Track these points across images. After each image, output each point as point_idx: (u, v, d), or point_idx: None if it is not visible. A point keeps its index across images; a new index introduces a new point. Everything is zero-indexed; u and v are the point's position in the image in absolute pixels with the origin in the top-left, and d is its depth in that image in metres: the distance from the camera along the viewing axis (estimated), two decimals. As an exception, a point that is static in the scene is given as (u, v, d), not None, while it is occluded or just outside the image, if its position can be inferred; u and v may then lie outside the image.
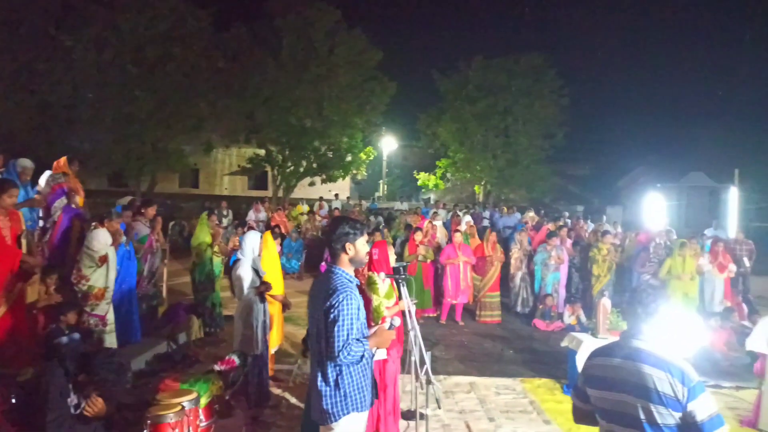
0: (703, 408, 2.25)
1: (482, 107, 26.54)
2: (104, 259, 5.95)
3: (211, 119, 20.87)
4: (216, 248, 8.37)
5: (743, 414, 5.70)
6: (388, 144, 34.09)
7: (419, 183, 31.01)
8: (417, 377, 4.78)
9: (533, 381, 6.65)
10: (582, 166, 39.17)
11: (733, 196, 13.57)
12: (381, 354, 3.17)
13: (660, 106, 35.13)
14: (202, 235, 8.19)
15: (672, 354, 2.38)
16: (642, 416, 2.31)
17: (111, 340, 6.02)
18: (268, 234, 6.29)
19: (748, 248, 11.36)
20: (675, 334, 6.80)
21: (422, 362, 4.52)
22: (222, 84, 20.38)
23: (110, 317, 6.06)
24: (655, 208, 14.08)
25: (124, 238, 6.60)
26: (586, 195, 33.69)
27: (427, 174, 30.41)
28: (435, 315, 9.76)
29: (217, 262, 8.43)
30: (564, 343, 6.60)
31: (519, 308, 10.29)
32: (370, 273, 4.75)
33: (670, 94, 34.92)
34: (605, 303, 6.88)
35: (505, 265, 10.47)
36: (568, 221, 15.22)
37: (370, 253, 4.62)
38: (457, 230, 10.09)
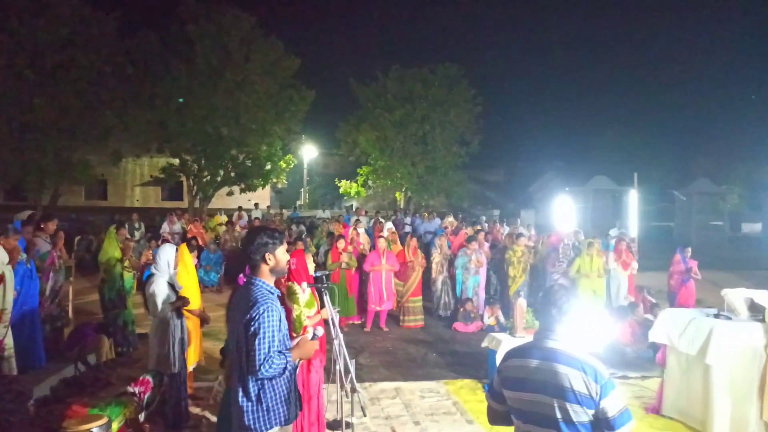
0: (613, 404, 2.31)
1: (400, 115, 27.04)
2: (0, 279, 5.48)
3: (119, 128, 19.84)
4: (126, 263, 7.94)
5: (648, 402, 6.09)
6: (309, 152, 33.88)
7: (341, 191, 31.01)
8: (342, 386, 4.75)
9: (456, 382, 6.79)
10: (496, 172, 40.78)
11: (633, 198, 14.52)
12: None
13: (566, 113, 37.24)
14: (111, 249, 7.74)
15: (585, 352, 2.43)
16: (558, 415, 2.34)
17: (10, 366, 5.54)
18: (183, 246, 6.05)
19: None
20: (586, 330, 7.20)
21: (347, 371, 4.50)
22: (131, 92, 19.45)
23: (8, 341, 5.58)
24: (564, 211, 14.78)
25: (24, 256, 6.11)
26: (501, 200, 35.04)
27: (349, 182, 30.48)
28: (360, 322, 9.75)
29: (128, 277, 8.00)
30: (484, 344, 6.80)
31: (441, 312, 10.48)
32: (290, 283, 4.68)
33: (575, 102, 37.10)
34: (521, 303, 7.16)
35: (427, 270, 10.66)
36: (485, 225, 15.74)
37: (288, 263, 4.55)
38: (381, 237, 10.16)
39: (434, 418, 5.68)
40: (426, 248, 12.16)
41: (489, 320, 9.42)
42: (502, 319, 9.28)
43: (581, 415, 2.32)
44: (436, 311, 10.52)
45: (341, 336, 4.54)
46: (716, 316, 5.51)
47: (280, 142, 22.82)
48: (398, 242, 11.14)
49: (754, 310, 5.48)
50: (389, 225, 13.82)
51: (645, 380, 6.88)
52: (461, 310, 9.86)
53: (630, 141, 31.26)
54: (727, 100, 31.05)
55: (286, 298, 4.87)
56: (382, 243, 9.61)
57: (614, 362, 7.63)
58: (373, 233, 12.31)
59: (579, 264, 9.49)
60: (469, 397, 6.30)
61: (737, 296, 5.55)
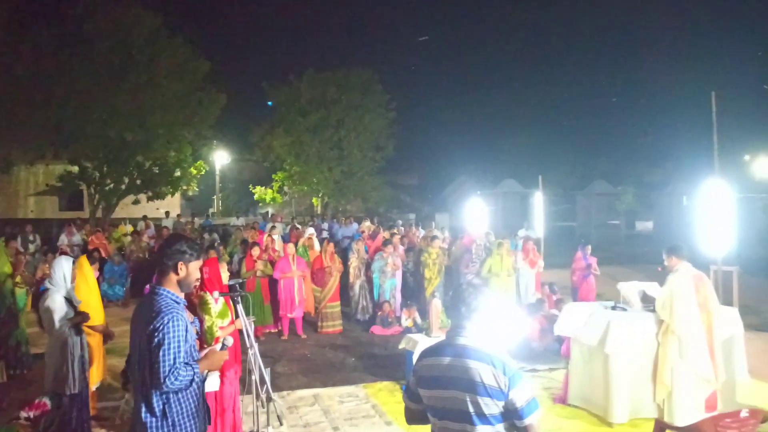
0: (521, 395, 2.39)
1: (315, 120, 26.91)
2: None
3: (7, 132, 18.28)
4: (18, 278, 7.33)
5: (556, 392, 6.41)
6: (221, 158, 32.83)
7: (256, 197, 30.34)
8: (258, 396, 4.64)
9: (375, 385, 6.83)
10: (412, 176, 41.57)
11: (538, 200, 15.30)
12: (212, 385, 2.99)
13: (477, 119, 38.62)
14: (0, 264, 7.11)
15: (493, 347, 2.51)
16: (471, 409, 2.39)
17: None
18: (83, 258, 5.67)
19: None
20: (497, 327, 7.45)
21: (262, 380, 4.40)
22: (21, 92, 17.96)
23: None
24: (476, 213, 15.31)
25: None
26: (417, 203, 35.72)
27: (264, 188, 29.89)
28: (277, 330, 9.58)
29: (21, 293, 7.38)
30: (401, 346, 6.89)
31: (359, 316, 10.51)
32: (202, 293, 4.51)
33: (485, 108, 38.58)
34: (436, 303, 7.31)
35: (345, 275, 10.65)
36: (402, 229, 15.98)
37: (201, 272, 4.38)
38: (291, 243, 10.06)
39: (353, 423, 5.68)
40: (344, 253, 12.16)
41: (407, 322, 9.55)
42: (419, 320, 9.44)
43: (492, 407, 2.39)
44: (355, 315, 10.53)
45: (256, 345, 4.44)
46: (613, 308, 5.91)
47: (189, 147, 21.94)
48: (314, 247, 11.04)
49: (646, 301, 5.94)
50: (310, 230, 13.71)
51: (552, 372, 7.24)
52: (379, 313, 9.94)
53: (535, 145, 32.92)
54: (622, 106, 33.52)
55: (198, 309, 4.69)
56: (291, 249, 9.50)
57: (524, 356, 7.97)
58: (289, 240, 12.12)
59: (490, 264, 9.85)
60: (387, 399, 6.35)
61: (631, 289, 5.99)
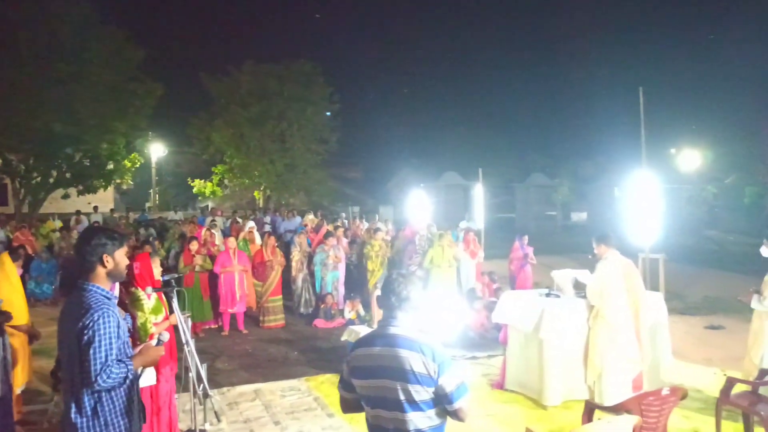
0: (450, 380, 2.44)
1: (256, 112, 26.40)
2: None
3: None
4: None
5: (494, 378, 6.59)
6: (157, 150, 31.69)
7: (195, 191, 29.50)
8: (195, 393, 4.55)
9: (317, 378, 6.81)
10: (356, 169, 41.52)
11: (478, 192, 15.61)
12: (149, 379, 2.91)
13: (420, 112, 38.95)
14: None
15: (423, 335, 2.54)
16: (402, 397, 2.43)
17: None
18: (4, 256, 5.37)
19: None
20: (436, 316, 7.56)
21: (199, 377, 4.31)
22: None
23: None
24: (419, 206, 15.45)
25: None
26: (361, 196, 35.72)
27: (203, 181, 29.10)
28: (217, 326, 9.38)
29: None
30: (344, 338, 6.91)
31: (302, 309, 10.44)
32: (134, 289, 4.36)
33: (427, 101, 38.96)
34: (378, 295, 7.34)
35: (287, 269, 10.55)
36: (346, 222, 15.97)
37: (131, 267, 4.24)
38: (232, 236, 9.87)
39: (295, 416, 5.65)
40: (287, 247, 12.04)
41: (350, 314, 9.56)
42: (362, 312, 9.48)
43: (422, 394, 2.43)
44: (298, 309, 10.46)
45: (192, 342, 4.33)
46: (547, 295, 6.13)
47: (123, 139, 21.04)
48: (255, 241, 10.88)
49: (578, 287, 6.19)
50: (251, 224, 13.48)
51: (491, 359, 7.44)
52: (322, 306, 9.91)
53: (476, 139, 33.59)
54: (558, 102, 34.68)
55: (130, 306, 4.53)
56: (231, 243, 9.33)
57: (465, 344, 8.16)
58: (230, 234, 11.87)
59: (432, 255, 9.99)
60: (330, 391, 6.34)
61: (564, 277, 6.22)
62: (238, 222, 14.11)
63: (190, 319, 5.19)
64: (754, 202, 30.18)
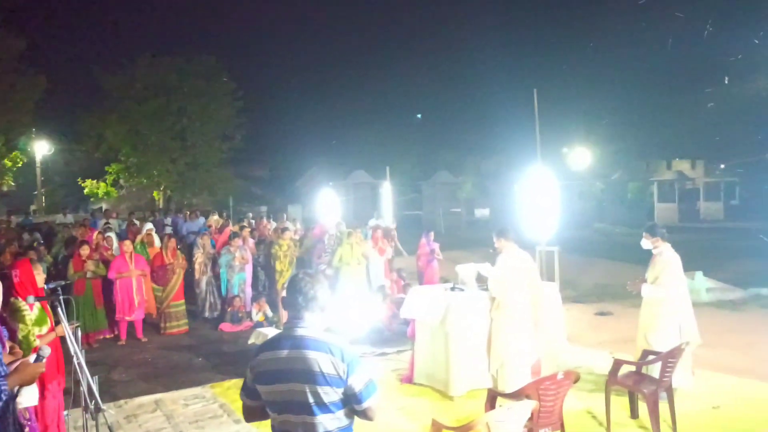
0: (359, 379, 2.42)
1: (154, 107, 25.07)
2: None
3: None
4: None
5: (403, 373, 6.69)
6: (43, 148, 29.18)
7: (86, 192, 27.53)
8: (86, 409, 4.23)
9: (223, 384, 6.58)
10: (263, 167, 40.62)
11: (386, 190, 15.81)
12: (30, 400, 2.65)
13: (328, 110, 38.77)
14: None
15: (332, 335, 2.52)
16: (311, 400, 2.38)
17: None
18: None
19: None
20: (348, 314, 7.58)
21: (90, 391, 4.01)
22: None
23: None
24: (328, 204, 15.40)
25: None
26: (268, 195, 35.05)
27: (96, 181, 27.23)
28: (113, 335, 8.81)
29: None
30: (251, 341, 6.74)
31: (207, 314, 10.07)
32: (13, 299, 3.98)
33: (336, 100, 38.87)
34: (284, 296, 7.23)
35: (190, 272, 10.12)
36: (252, 222, 15.56)
37: (10, 275, 3.87)
38: (128, 240, 9.32)
39: (199, 425, 5.42)
40: (190, 249, 11.54)
41: (257, 316, 9.34)
42: (269, 313, 9.28)
43: (332, 395, 2.40)
44: (202, 313, 10.07)
45: (81, 353, 4.02)
46: (452, 289, 6.31)
47: (2, 136, 19.26)
48: (154, 244, 10.33)
49: (481, 280, 6.42)
50: (149, 226, 12.78)
51: (400, 354, 7.55)
52: (229, 309, 9.60)
53: (383, 137, 33.96)
54: (461, 102, 35.82)
55: (9, 318, 4.14)
56: (128, 246, 8.80)
57: (375, 341, 8.23)
58: (127, 237, 11.18)
59: (341, 253, 9.97)
60: (237, 397, 6.06)
61: (467, 270, 6.43)
62: (135, 224, 13.32)
63: (79, 330, 4.82)
64: (636, 197, 32.93)
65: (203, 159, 26.69)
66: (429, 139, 35.54)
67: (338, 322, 7.05)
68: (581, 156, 26.32)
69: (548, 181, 9.86)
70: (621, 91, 28.40)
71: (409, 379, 6.39)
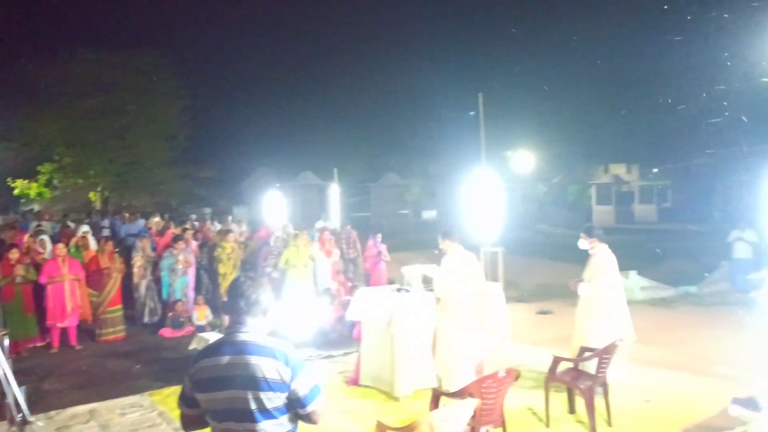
0: (304, 384, 2.39)
1: (92, 105, 24.03)
2: None
3: None
4: None
5: (349, 375, 6.67)
6: (-33, 146, 27.48)
7: (16, 192, 26.08)
8: (13, 421, 4.00)
9: (162, 392, 6.38)
10: (208, 168, 39.57)
11: (334, 192, 15.76)
12: None
13: (275, 111, 38.19)
14: None
15: (275, 340, 2.47)
16: (253, 406, 2.34)
17: None
18: None
19: (353, 236, 13.44)
20: (294, 317, 7.50)
21: (17, 402, 3.80)
22: None
23: None
24: (275, 206, 15.22)
25: None
26: (213, 197, 34.24)
27: (27, 181, 25.84)
28: (44, 343, 8.38)
29: None
30: (192, 346, 6.56)
31: (147, 319, 9.73)
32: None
33: (283, 100, 38.35)
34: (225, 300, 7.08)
35: (128, 276, 9.76)
36: (196, 224, 15.17)
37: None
38: (62, 243, 8.90)
39: (137, 434, 5.23)
40: (129, 252, 11.12)
41: (199, 321, 9.10)
42: (210, 317, 9.08)
43: (275, 400, 2.36)
44: (141, 319, 9.73)
45: (8, 363, 3.81)
46: (398, 290, 6.34)
47: None
48: (90, 247, 9.91)
49: (427, 282, 6.49)
50: (85, 228, 12.25)
51: (347, 356, 7.53)
52: (170, 314, 9.31)
53: (331, 139, 33.80)
54: (408, 105, 36.11)
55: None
56: (61, 249, 8.41)
57: (321, 344, 8.18)
58: (60, 240, 10.68)
59: (287, 256, 9.85)
60: (176, 404, 5.96)
61: (413, 272, 6.48)
62: (69, 226, 12.75)
63: (7, 338, 4.57)
64: (576, 199, 34.13)
65: (145, 159, 25.78)
66: (377, 141, 35.62)
67: (283, 326, 6.96)
68: (524, 159, 27.00)
69: (493, 184, 10.09)
70: (563, 96, 29.37)
71: (354, 381, 6.37)
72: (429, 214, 33.80)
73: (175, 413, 5.66)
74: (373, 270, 10.97)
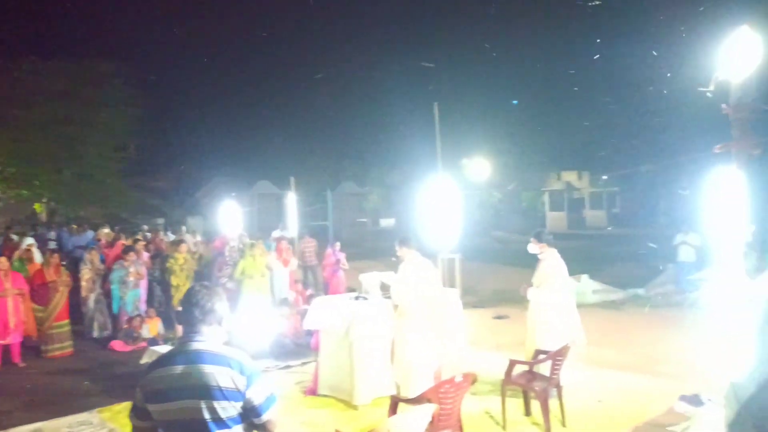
0: (259, 392, 2.38)
1: (38, 114, 23.14)
2: None
3: None
4: None
5: (307, 385, 6.60)
6: None
7: (-46, 204, 24.84)
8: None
9: (113, 408, 6.16)
10: (161, 178, 38.64)
11: (291, 201, 15.63)
12: None
13: (231, 120, 37.71)
14: None
15: (230, 349, 2.45)
16: (207, 416, 2.31)
17: None
18: None
19: (313, 245, 13.39)
20: (251, 327, 7.38)
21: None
22: None
23: None
24: (230, 216, 14.98)
25: None
26: (166, 207, 33.43)
27: (-33, 193, 24.64)
28: (-16, 362, 7.98)
29: None
30: (143, 360, 6.38)
31: (96, 333, 9.40)
32: None
33: (239, 109, 37.92)
34: (179, 310, 6.92)
35: (76, 289, 9.42)
36: (148, 235, 14.80)
37: None
38: (4, 256, 8.51)
39: (85, 454, 5.03)
40: (76, 265, 10.75)
41: (151, 334, 8.85)
42: (162, 330, 8.85)
43: (230, 410, 2.33)
44: (90, 334, 9.39)
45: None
46: (356, 298, 6.33)
47: None
48: (34, 260, 9.52)
49: (384, 289, 6.50)
50: (29, 240, 11.78)
51: (305, 366, 7.46)
52: (125, 327, 9.02)
53: (289, 148, 33.59)
54: (366, 111, 36.24)
55: None
56: (3, 263, 8.04)
57: (279, 354, 8.09)
58: (2, 253, 10.21)
59: (243, 266, 9.72)
60: (128, 420, 5.74)
61: (371, 279, 6.49)
62: (12, 239, 12.22)
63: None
64: (530, 206, 34.93)
65: (94, 169, 24.97)
66: (335, 149, 35.59)
67: (239, 337, 6.84)
68: (480, 167, 27.45)
69: (449, 192, 10.22)
70: (516, 106, 30.13)
71: (313, 391, 6.31)
72: (387, 222, 33.95)
73: (127, 430, 5.48)
74: (332, 278, 10.94)
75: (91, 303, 9.42)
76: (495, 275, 14.93)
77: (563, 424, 5.24)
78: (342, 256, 11.15)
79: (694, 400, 5.39)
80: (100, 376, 7.50)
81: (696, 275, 10.42)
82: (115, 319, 9.42)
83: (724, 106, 3.08)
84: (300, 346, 8.40)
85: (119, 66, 25.42)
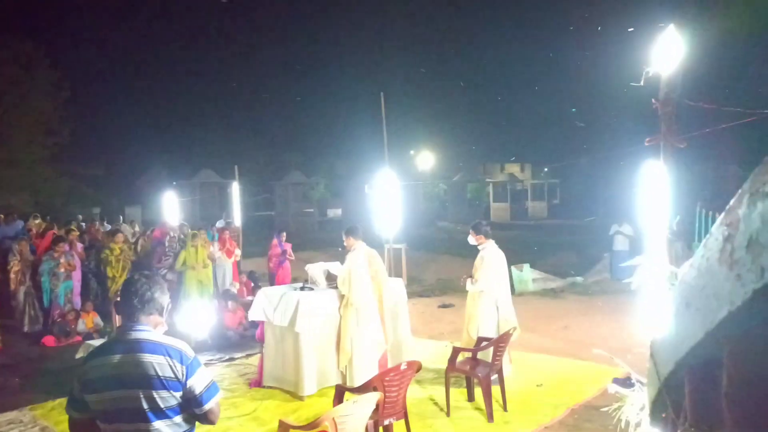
0: (200, 381, 2.36)
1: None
2: None
3: None
4: None
5: (252, 377, 6.52)
6: None
7: None
8: None
9: (46, 405, 5.89)
10: (96, 165, 36.96)
11: (235, 190, 15.30)
12: None
13: (172, 106, 36.39)
14: None
15: (169, 338, 2.43)
16: (145, 406, 2.27)
17: None
18: None
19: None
20: (192, 320, 7.20)
21: None
22: None
23: None
24: (171, 205, 14.53)
25: None
26: (102, 196, 32.04)
27: None
28: None
29: None
30: (79, 355, 6.13)
31: (27, 328, 8.95)
32: None
33: (181, 96, 36.66)
34: (117, 301, 6.69)
35: (4, 282, 8.92)
36: (82, 224, 14.17)
37: None
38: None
39: (15, 454, 4.80)
40: (4, 256, 10.16)
41: (85, 328, 8.51)
42: (100, 323, 8.52)
43: (169, 399, 2.31)
44: (21, 328, 8.92)
45: None
46: (302, 288, 6.29)
47: None
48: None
49: (331, 279, 6.49)
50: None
51: (249, 358, 7.36)
52: (58, 321, 8.62)
53: (232, 136, 32.85)
54: (312, 100, 35.87)
55: None
56: None
57: (222, 346, 7.95)
58: None
59: (184, 256, 9.47)
60: (62, 418, 5.48)
61: (317, 269, 6.46)
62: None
63: None
64: (474, 196, 35.59)
65: (22, 155, 23.65)
66: (281, 139, 35.08)
67: (181, 329, 6.67)
68: (426, 158, 27.76)
69: (396, 182, 10.28)
70: (462, 97, 30.58)
71: (258, 383, 6.24)
72: (334, 213, 33.80)
73: (61, 428, 5.27)
74: (278, 269, 10.80)
75: (20, 296, 8.95)
76: (440, 265, 15.15)
77: (504, 409, 5.41)
78: (288, 247, 11.02)
79: (626, 383, 5.67)
80: (32, 372, 7.15)
81: (628, 262, 10.92)
82: (46, 312, 8.99)
83: (653, 100, 3.25)
84: (244, 338, 8.28)
85: (48, 49, 24.15)
